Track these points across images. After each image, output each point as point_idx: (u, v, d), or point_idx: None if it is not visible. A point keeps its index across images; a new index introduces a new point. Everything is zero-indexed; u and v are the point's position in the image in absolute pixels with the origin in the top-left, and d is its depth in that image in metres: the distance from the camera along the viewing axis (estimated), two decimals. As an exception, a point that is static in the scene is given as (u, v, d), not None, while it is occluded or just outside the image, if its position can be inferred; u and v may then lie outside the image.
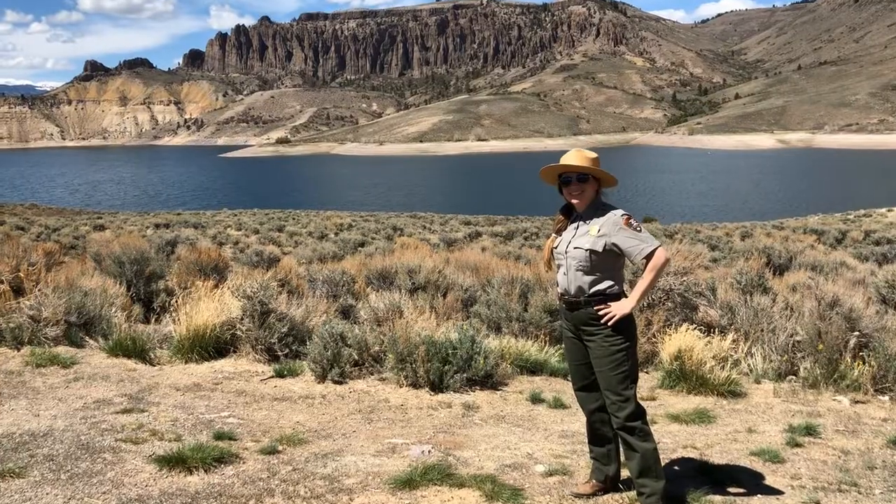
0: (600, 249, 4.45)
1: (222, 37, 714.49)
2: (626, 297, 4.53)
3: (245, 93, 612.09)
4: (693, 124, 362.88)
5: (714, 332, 7.99)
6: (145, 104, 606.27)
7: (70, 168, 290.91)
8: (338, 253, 23.18)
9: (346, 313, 9.97)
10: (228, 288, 8.96)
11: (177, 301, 8.80)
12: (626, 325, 4.47)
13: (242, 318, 8.61)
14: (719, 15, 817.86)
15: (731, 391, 7.04)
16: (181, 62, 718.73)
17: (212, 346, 8.40)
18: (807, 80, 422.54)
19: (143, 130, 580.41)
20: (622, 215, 4.49)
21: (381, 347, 7.62)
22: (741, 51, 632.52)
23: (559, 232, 4.75)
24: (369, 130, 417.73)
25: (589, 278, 4.49)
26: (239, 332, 8.51)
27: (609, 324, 4.43)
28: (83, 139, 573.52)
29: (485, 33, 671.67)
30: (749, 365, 7.82)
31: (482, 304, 10.73)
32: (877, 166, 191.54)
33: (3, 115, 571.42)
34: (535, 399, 6.96)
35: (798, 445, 5.76)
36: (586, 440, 4.97)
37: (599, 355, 4.48)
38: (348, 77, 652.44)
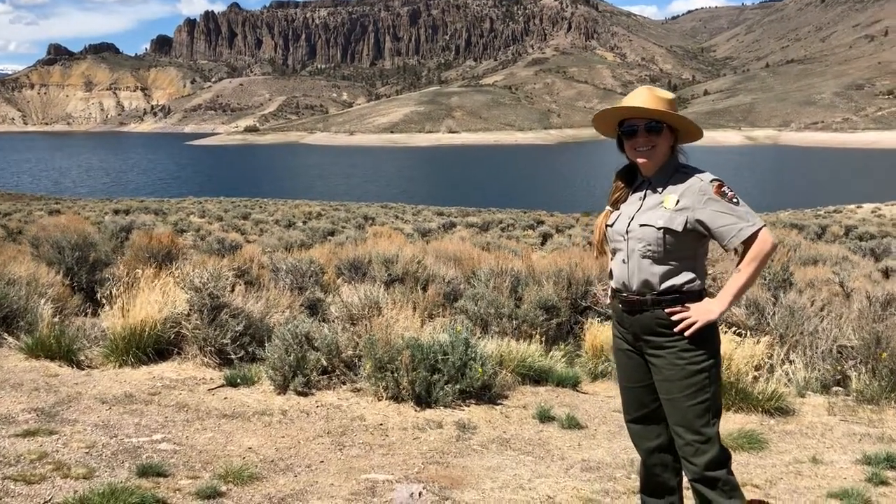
0: (679, 228, 3.20)
1: (191, 23, 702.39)
2: (710, 296, 3.30)
3: (213, 80, 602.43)
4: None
5: (744, 335, 6.81)
6: (111, 90, 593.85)
7: (35, 153, 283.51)
8: (306, 241, 21.78)
9: (314, 308, 8.64)
10: (173, 277, 7.57)
11: (112, 293, 7.40)
12: (709, 337, 3.25)
13: (189, 314, 7.25)
14: (689, 11, 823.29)
15: (778, 408, 5.85)
16: (148, 48, 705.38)
17: (151, 346, 7.02)
18: (774, 78, 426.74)
19: (109, 116, 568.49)
20: (712, 180, 3.24)
21: (356, 351, 6.32)
22: (710, 48, 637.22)
23: (616, 204, 3.49)
24: (340, 120, 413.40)
25: (660, 269, 3.25)
26: (185, 331, 7.15)
27: (687, 334, 3.19)
28: (46, 124, 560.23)
29: (457, 25, 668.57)
30: (788, 374, 6.64)
31: (468, 299, 9.44)
32: (842, 164, 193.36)
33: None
34: (544, 416, 5.71)
35: (884, 483, 4.58)
36: (638, 485, 3.73)
37: (670, 377, 3.24)
38: (319, 66, 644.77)
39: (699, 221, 3.20)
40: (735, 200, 3.19)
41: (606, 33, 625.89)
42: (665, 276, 3.26)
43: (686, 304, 3.23)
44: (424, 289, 10.50)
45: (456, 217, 41.39)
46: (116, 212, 41.24)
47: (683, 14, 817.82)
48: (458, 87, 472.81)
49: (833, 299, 8.52)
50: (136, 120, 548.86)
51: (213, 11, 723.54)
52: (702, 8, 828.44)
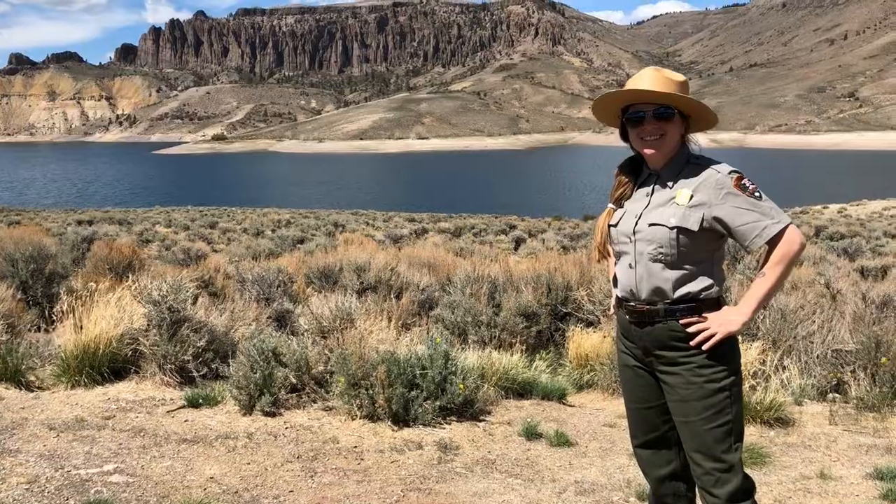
0: (695, 227, 2.82)
1: (156, 31, 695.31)
2: (727, 303, 2.93)
3: (179, 88, 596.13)
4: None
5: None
6: (75, 99, 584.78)
7: None
8: (274, 250, 21.23)
9: (283, 320, 8.18)
10: (131, 290, 7.08)
11: (64, 308, 6.89)
12: (729, 351, 2.87)
13: (148, 329, 6.76)
14: (654, 17, 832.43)
15: (777, 418, 5.53)
16: (113, 57, 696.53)
17: (107, 365, 6.52)
18: (738, 82, 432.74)
19: (73, 126, 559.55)
20: (730, 172, 2.86)
21: (327, 366, 5.88)
22: (675, 52, 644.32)
23: (620, 202, 3.10)
24: (308, 128, 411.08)
25: (673, 274, 2.87)
26: (143, 348, 6.66)
27: (704, 347, 2.82)
28: (8, 135, 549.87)
29: (425, 31, 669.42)
30: (783, 381, 6.33)
31: (445, 307, 9.04)
32: (806, 165, 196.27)
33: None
34: (531, 433, 5.32)
35: (900, 500, 4.27)
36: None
37: (687, 397, 2.85)
38: (287, 73, 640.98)
39: (717, 219, 2.82)
40: (757, 194, 2.81)
41: (573, 39, 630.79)
42: (679, 283, 2.88)
43: (703, 314, 2.86)
44: (398, 297, 10.10)
45: (427, 223, 41.03)
46: (80, 222, 40.25)
47: (649, 20, 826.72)
48: (427, 94, 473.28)
49: (820, 301, 8.25)
50: (102, 129, 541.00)
51: (178, 20, 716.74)
52: (666, 13, 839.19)
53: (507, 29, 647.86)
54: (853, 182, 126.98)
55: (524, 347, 7.67)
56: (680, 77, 2.95)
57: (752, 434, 5.39)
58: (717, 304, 2.91)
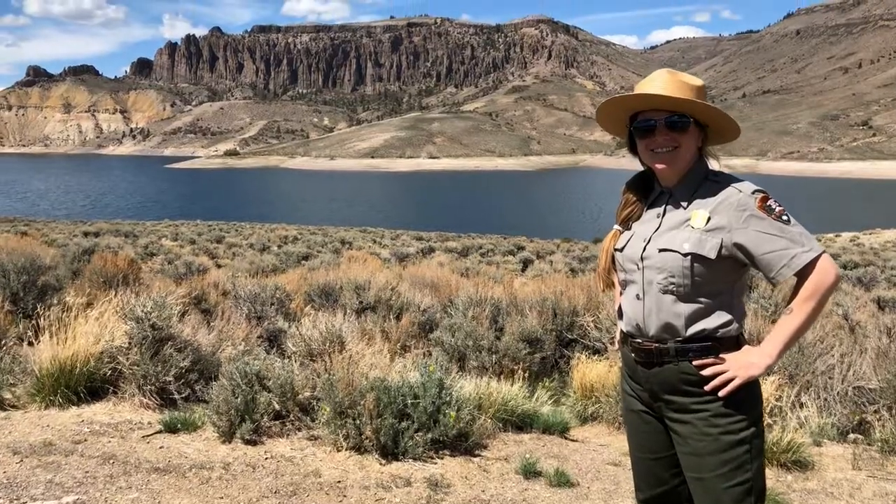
0: (712, 255, 2.46)
1: (172, 46, 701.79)
2: (747, 342, 2.56)
3: (194, 103, 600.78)
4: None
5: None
6: (90, 112, 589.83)
7: (12, 175, 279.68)
8: (278, 266, 20.96)
9: (274, 341, 7.83)
10: (113, 306, 6.75)
11: (40, 323, 6.56)
12: (749, 398, 2.50)
13: (129, 347, 6.42)
14: (668, 42, 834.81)
15: (795, 461, 5.12)
16: (129, 70, 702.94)
17: (84, 384, 6.18)
18: (751, 108, 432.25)
19: (87, 139, 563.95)
20: (754, 192, 2.49)
21: (314, 392, 5.52)
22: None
23: (627, 223, 2.74)
24: (320, 145, 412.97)
25: (686, 308, 2.50)
26: (123, 367, 6.31)
27: (721, 394, 2.44)
28: (23, 146, 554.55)
29: (438, 52, 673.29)
30: (800, 419, 5.93)
31: (445, 330, 8.67)
32: (818, 193, 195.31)
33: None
34: (529, 471, 4.93)
35: (936, 560, 3.86)
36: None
37: (700, 450, 2.48)
38: (300, 91, 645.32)
39: (738, 245, 2.46)
40: (785, 217, 2.45)
41: (586, 62, 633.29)
42: (693, 318, 2.51)
43: (720, 355, 2.50)
44: (398, 318, 9.77)
45: (435, 242, 40.70)
46: (86, 234, 40.12)
47: (662, 44, 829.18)
48: (439, 114, 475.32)
49: (839, 333, 7.84)
50: (115, 142, 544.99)
51: (194, 35, 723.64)
52: (680, 38, 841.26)
53: (521, 51, 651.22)
54: (866, 211, 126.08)
55: (526, 374, 7.29)
56: (697, 81, 2.59)
57: (770, 478, 4.97)
58: (736, 343, 2.54)
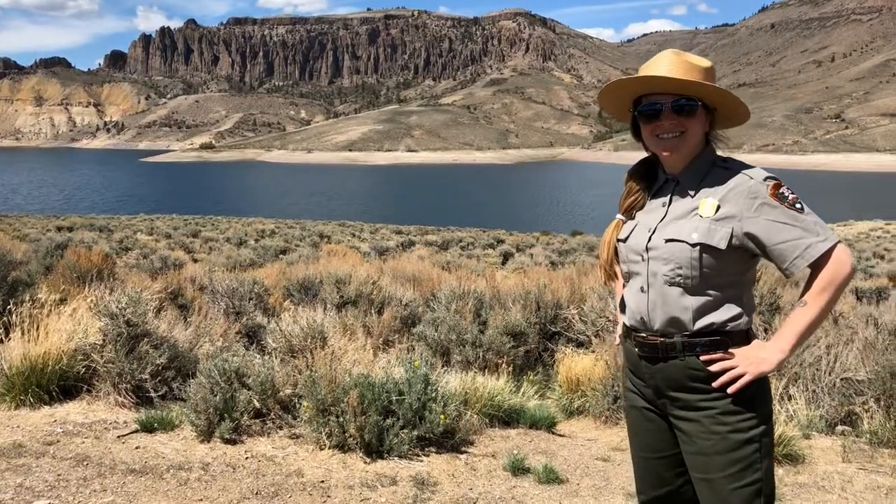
0: (722, 245, 2.35)
1: (146, 38, 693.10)
2: (757, 337, 2.46)
3: (169, 96, 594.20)
4: (618, 141, 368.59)
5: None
6: (62, 105, 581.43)
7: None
8: (256, 260, 20.69)
9: (253, 336, 7.66)
10: (87, 302, 6.55)
11: (10, 321, 6.34)
12: (759, 394, 2.39)
13: (104, 345, 6.23)
14: (645, 35, 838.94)
15: (786, 454, 5.06)
16: (102, 63, 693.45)
17: (56, 383, 5.98)
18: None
19: (60, 132, 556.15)
20: (766, 178, 2.38)
21: (295, 390, 5.37)
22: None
23: (630, 212, 2.61)
24: (297, 138, 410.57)
25: (694, 301, 2.38)
26: (97, 365, 6.12)
27: (730, 390, 2.33)
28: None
29: (416, 44, 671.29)
30: (789, 412, 5.88)
31: (428, 324, 8.55)
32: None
33: None
34: (517, 468, 4.83)
35: (933, 555, 3.80)
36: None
37: (707, 450, 2.37)
38: (276, 83, 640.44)
39: (749, 235, 2.34)
40: (799, 206, 2.34)
41: (563, 55, 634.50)
42: (700, 311, 2.39)
43: (729, 350, 2.38)
44: (380, 312, 9.61)
45: (415, 235, 40.54)
46: (60, 228, 39.46)
47: (639, 37, 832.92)
48: (417, 107, 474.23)
49: (823, 324, 7.81)
50: (89, 136, 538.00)
51: (169, 27, 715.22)
52: (656, 32, 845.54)
53: (498, 44, 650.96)
54: (839, 203, 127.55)
55: (510, 368, 7.18)
56: (705, 62, 2.46)
57: (760, 472, 4.92)
58: (745, 337, 2.43)
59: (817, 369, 6.07)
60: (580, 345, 8.02)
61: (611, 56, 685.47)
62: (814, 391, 5.96)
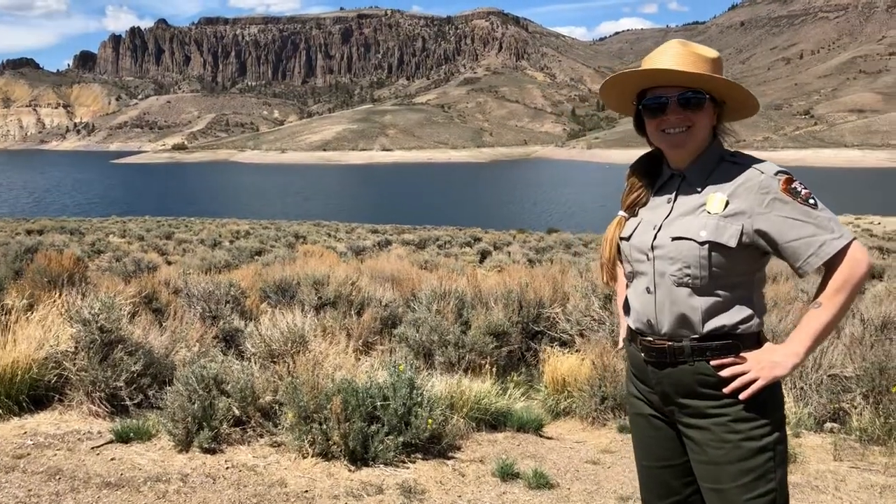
0: (732, 243, 2.23)
1: (116, 39, 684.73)
2: (769, 340, 2.35)
3: (140, 97, 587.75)
4: (591, 139, 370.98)
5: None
6: (31, 106, 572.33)
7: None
8: (231, 262, 20.39)
9: (231, 341, 7.48)
10: (58, 307, 6.33)
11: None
12: (771, 400, 2.28)
13: (76, 352, 6.02)
14: (617, 33, 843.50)
15: (778, 453, 4.99)
16: (71, 64, 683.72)
17: (26, 393, 5.77)
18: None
19: (29, 134, 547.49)
20: (777, 173, 2.28)
21: (276, 396, 5.21)
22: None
23: (633, 209, 2.50)
24: (271, 138, 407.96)
25: (703, 302, 2.27)
26: (69, 373, 5.91)
27: (742, 396, 2.22)
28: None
29: (389, 44, 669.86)
30: (777, 409, 5.80)
31: (409, 325, 8.41)
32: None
33: None
34: (506, 473, 4.71)
35: (932, 555, 3.74)
36: None
37: (718, 459, 2.26)
38: (249, 83, 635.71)
39: (760, 232, 2.23)
40: (812, 201, 2.23)
41: (536, 54, 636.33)
42: (710, 313, 2.28)
43: (741, 354, 2.28)
44: (359, 313, 9.46)
45: (391, 234, 40.35)
46: (29, 232, 38.75)
47: (611, 35, 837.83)
48: (391, 106, 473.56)
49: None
50: (59, 138, 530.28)
51: (139, 28, 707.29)
52: (628, 30, 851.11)
53: (472, 43, 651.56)
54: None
55: (494, 369, 7.08)
56: (712, 53, 2.35)
57: (752, 472, 4.85)
58: (756, 340, 2.32)
59: (804, 366, 6.02)
60: (564, 344, 7.93)
61: (583, 54, 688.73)
62: (801, 388, 5.91)
